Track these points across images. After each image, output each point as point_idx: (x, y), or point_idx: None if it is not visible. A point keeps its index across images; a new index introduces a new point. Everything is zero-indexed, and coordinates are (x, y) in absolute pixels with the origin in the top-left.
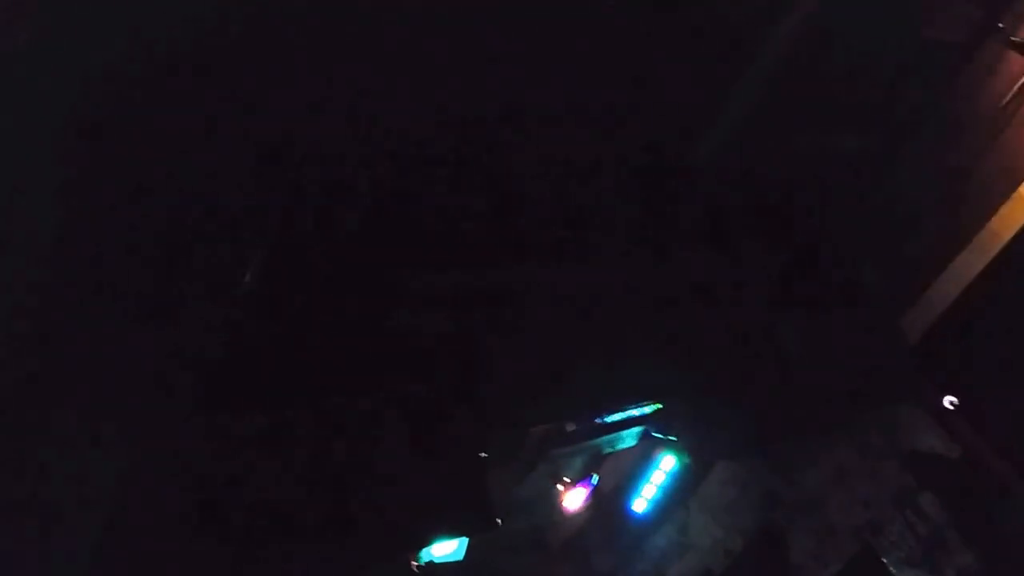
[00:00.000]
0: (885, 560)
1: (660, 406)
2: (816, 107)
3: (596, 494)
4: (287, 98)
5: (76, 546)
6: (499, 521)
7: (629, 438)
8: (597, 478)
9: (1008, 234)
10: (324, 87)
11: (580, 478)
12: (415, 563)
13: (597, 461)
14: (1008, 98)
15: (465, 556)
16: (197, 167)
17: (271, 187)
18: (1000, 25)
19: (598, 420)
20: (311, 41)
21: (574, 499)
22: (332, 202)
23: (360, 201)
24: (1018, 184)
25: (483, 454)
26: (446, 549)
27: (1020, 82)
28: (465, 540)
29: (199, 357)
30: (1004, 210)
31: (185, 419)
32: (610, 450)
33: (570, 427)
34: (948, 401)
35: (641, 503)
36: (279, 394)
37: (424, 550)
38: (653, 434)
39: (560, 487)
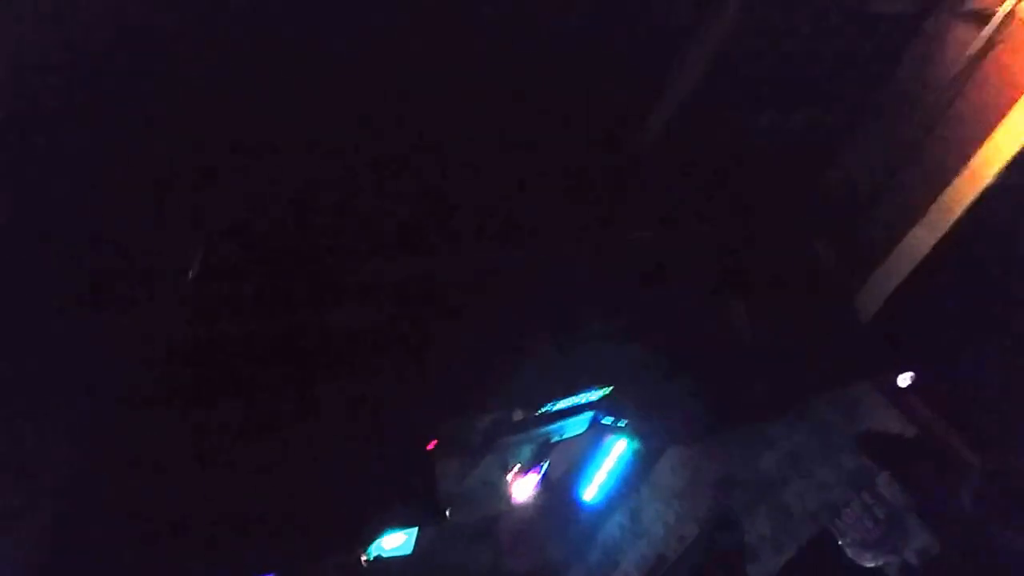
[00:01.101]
0: (842, 543)
1: (609, 391)
2: (764, 84)
3: (546, 482)
4: (227, 92)
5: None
6: (447, 512)
7: (578, 424)
8: (547, 466)
9: (959, 209)
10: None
11: (529, 466)
12: (364, 558)
13: (546, 449)
14: (957, 69)
15: (414, 549)
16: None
17: (211, 182)
18: None
19: (546, 407)
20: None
21: (524, 488)
22: (270, 194)
23: (299, 191)
24: (969, 158)
25: (430, 445)
26: (394, 542)
27: (968, 53)
28: (413, 532)
29: (140, 352)
30: (956, 184)
31: (126, 415)
32: (559, 437)
33: (518, 415)
34: (903, 379)
35: (592, 490)
36: (221, 387)
37: (372, 544)
38: (603, 420)
39: (509, 476)
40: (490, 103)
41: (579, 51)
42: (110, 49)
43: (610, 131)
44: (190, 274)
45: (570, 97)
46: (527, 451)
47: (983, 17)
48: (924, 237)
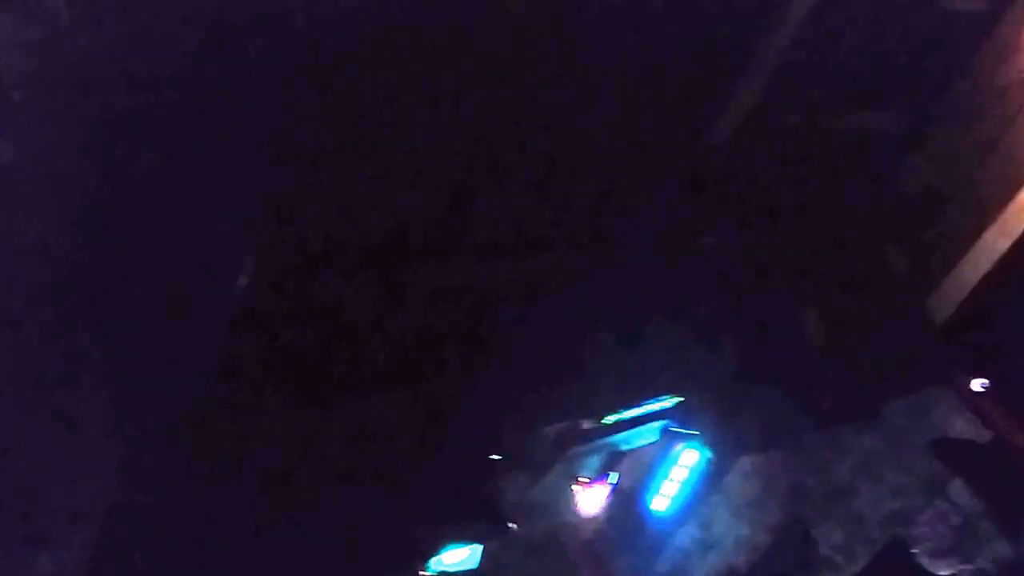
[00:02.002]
0: (916, 551)
1: (681, 399)
2: (834, 84)
3: (615, 493)
4: (277, 99)
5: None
6: (513, 525)
7: (649, 434)
8: (616, 476)
9: None
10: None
11: (598, 477)
12: (424, 573)
13: (615, 459)
14: None
15: (480, 563)
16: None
17: (266, 189)
18: None
19: (615, 416)
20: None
21: (592, 500)
22: (335, 200)
23: (364, 197)
24: None
25: (495, 456)
26: (458, 557)
27: None
28: (479, 547)
29: (201, 360)
30: None
31: (185, 422)
32: (628, 447)
33: (586, 424)
34: (978, 384)
35: (662, 501)
36: (283, 397)
37: (434, 559)
38: (673, 429)
39: (577, 487)
40: (563, 108)
41: (651, 50)
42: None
43: (682, 134)
44: (241, 281)
45: (641, 100)
46: (595, 461)
47: None
48: (998, 240)
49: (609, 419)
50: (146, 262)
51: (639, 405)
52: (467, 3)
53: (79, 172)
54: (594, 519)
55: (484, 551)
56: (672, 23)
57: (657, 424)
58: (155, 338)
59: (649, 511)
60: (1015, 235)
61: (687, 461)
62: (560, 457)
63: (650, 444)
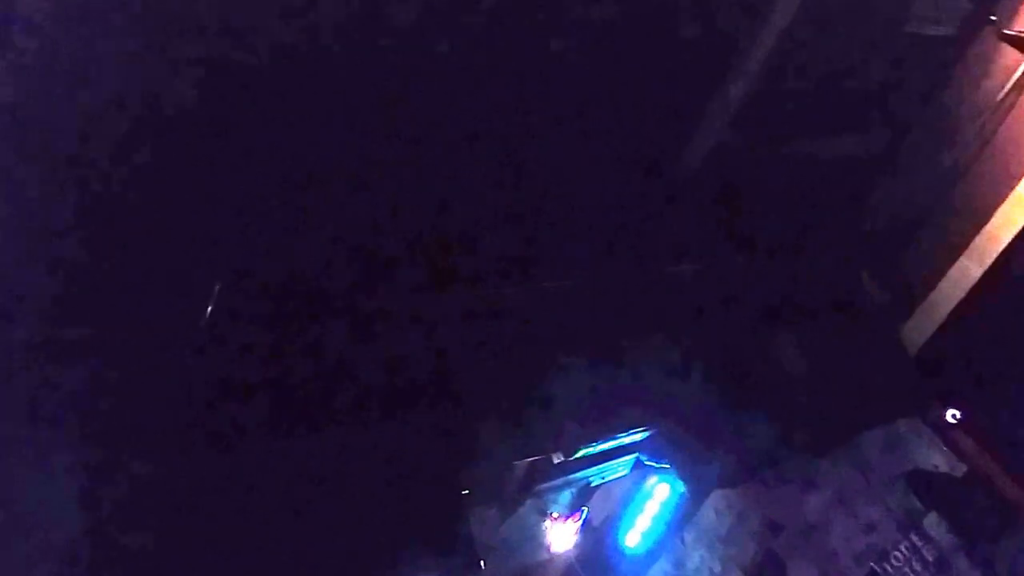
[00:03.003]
0: None
1: (652, 432)
2: (806, 110)
3: (586, 528)
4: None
5: None
6: (483, 562)
7: (620, 467)
8: (587, 511)
9: (1007, 236)
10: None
11: (569, 512)
12: None
13: (587, 493)
14: (1003, 93)
15: None
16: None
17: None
18: (992, 18)
19: (586, 450)
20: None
21: (563, 535)
22: (297, 228)
23: (327, 226)
24: (1016, 183)
25: (465, 491)
26: None
27: (1015, 77)
28: None
29: (162, 393)
30: (1003, 211)
31: (149, 455)
32: (600, 481)
33: (557, 459)
34: (950, 415)
35: (634, 536)
36: (247, 429)
37: None
38: (645, 462)
39: (548, 522)
40: (529, 136)
41: (619, 76)
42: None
43: (651, 160)
44: (206, 316)
45: (614, 125)
46: (567, 496)
47: None
48: (971, 267)
49: (580, 453)
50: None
51: (610, 439)
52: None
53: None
54: (565, 555)
55: None
56: (644, 46)
57: (629, 457)
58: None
59: (621, 547)
60: (987, 263)
61: (659, 495)
62: (530, 492)
63: (622, 478)
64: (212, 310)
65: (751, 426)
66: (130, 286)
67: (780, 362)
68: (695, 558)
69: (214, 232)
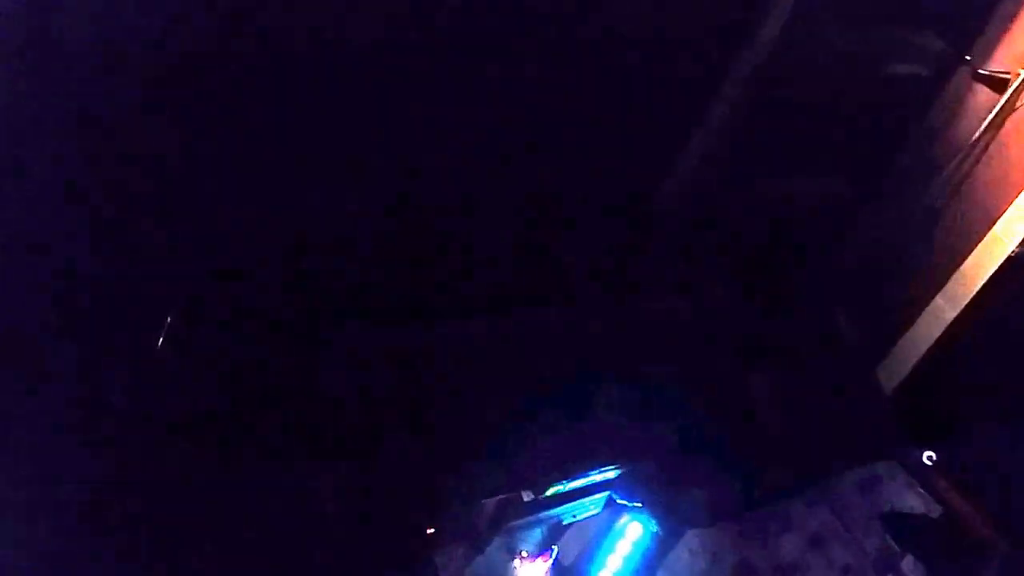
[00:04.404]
0: None
1: (625, 470)
2: (780, 150)
3: (556, 567)
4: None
5: None
6: None
7: (592, 505)
8: (557, 550)
9: (981, 278)
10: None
11: (538, 551)
12: None
13: (558, 531)
14: (978, 133)
15: None
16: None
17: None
18: (967, 58)
19: (557, 487)
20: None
21: (533, 574)
22: (257, 253)
23: (290, 250)
24: (991, 224)
25: (430, 530)
26: None
27: (990, 117)
28: None
29: (115, 425)
30: (978, 252)
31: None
32: (571, 519)
33: (527, 496)
34: (926, 456)
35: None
36: (199, 468)
37: None
38: (618, 500)
39: (517, 562)
40: (503, 165)
41: (595, 105)
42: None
43: (623, 196)
44: (159, 341)
45: (583, 156)
46: (537, 534)
47: (1000, 82)
48: (945, 307)
49: (551, 491)
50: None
51: (581, 476)
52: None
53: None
54: None
55: None
56: (617, 83)
57: (600, 495)
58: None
59: None
60: (961, 304)
61: (632, 535)
62: (499, 530)
63: (593, 516)
64: (163, 340)
65: (725, 466)
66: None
67: (754, 401)
68: None
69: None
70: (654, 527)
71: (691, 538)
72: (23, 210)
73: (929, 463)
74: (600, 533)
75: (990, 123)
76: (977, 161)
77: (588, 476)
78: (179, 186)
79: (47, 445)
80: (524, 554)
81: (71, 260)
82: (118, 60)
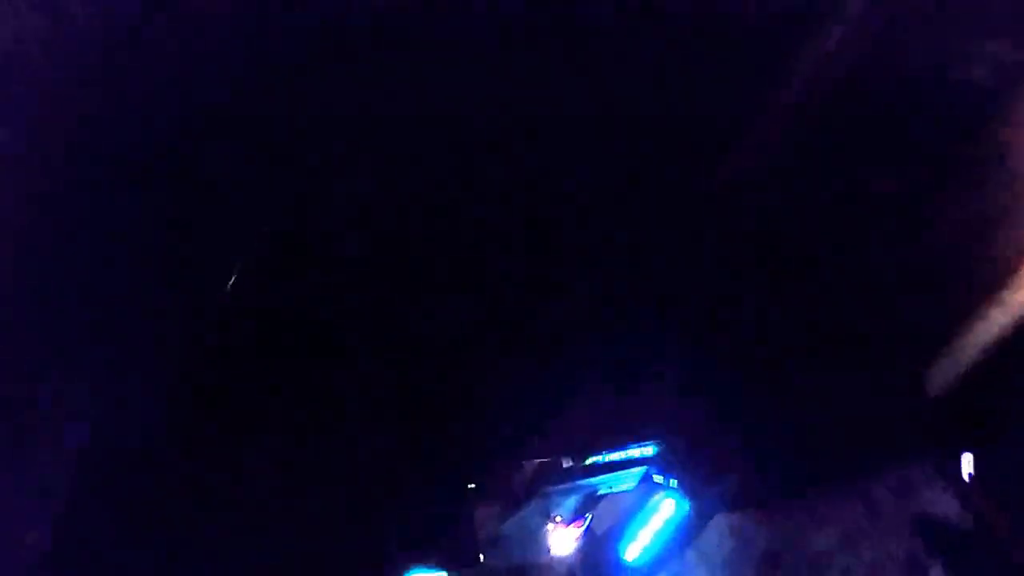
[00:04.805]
0: None
1: (663, 447)
2: (850, 142)
3: (588, 536)
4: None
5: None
6: (481, 557)
7: (628, 479)
8: (591, 519)
9: None
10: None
11: (572, 518)
12: None
13: (592, 501)
14: None
15: None
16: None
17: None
18: None
19: (597, 457)
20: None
21: (565, 539)
22: (334, 217)
23: (364, 217)
24: None
25: (471, 485)
26: None
27: None
28: (444, 575)
29: (183, 356)
30: None
31: (159, 416)
32: (607, 490)
33: (567, 463)
34: (966, 465)
35: (635, 550)
36: (257, 402)
37: None
38: (654, 477)
39: (551, 525)
40: (575, 143)
41: (660, 76)
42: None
43: (682, 174)
44: (229, 284)
45: (644, 130)
46: (572, 501)
47: None
48: (999, 317)
49: (590, 460)
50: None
51: (621, 448)
52: None
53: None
54: (564, 560)
55: None
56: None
57: (638, 470)
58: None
59: (620, 559)
60: (1016, 314)
61: (665, 512)
62: (537, 493)
63: (629, 490)
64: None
65: (763, 454)
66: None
67: (797, 391)
68: None
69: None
70: (687, 506)
71: (722, 521)
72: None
73: (968, 471)
74: (634, 507)
75: None
76: None
77: (628, 449)
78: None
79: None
80: (558, 519)
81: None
82: None
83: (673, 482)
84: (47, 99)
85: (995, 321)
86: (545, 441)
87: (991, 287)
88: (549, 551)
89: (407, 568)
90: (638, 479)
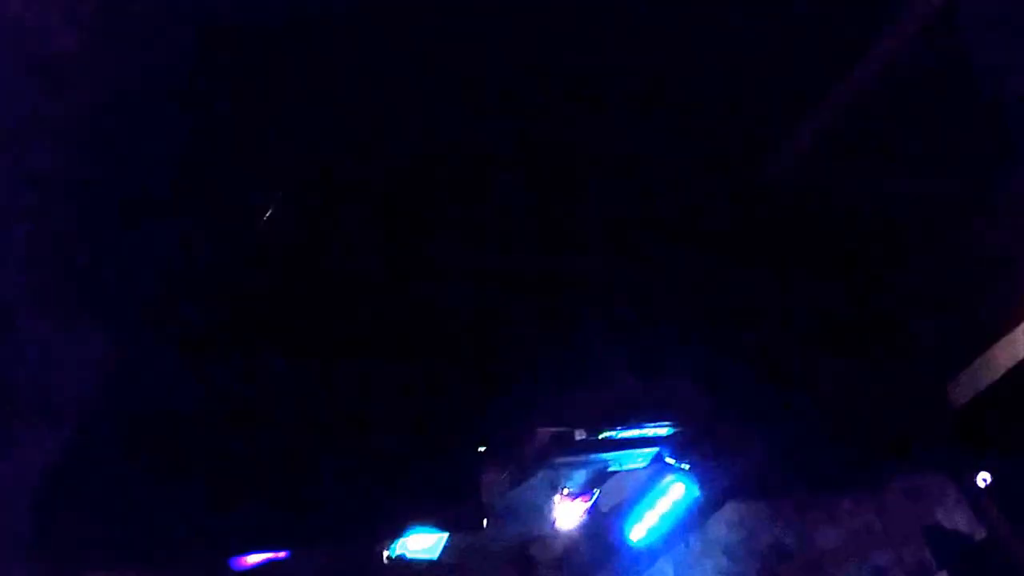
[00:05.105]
0: None
1: (679, 430)
2: (898, 144)
3: (594, 512)
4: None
5: None
6: (484, 521)
7: (640, 458)
8: (598, 495)
9: None
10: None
11: (580, 492)
12: (386, 553)
13: (602, 477)
14: None
15: (440, 557)
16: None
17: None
18: None
19: (611, 433)
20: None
21: (570, 513)
22: (362, 160)
23: (395, 163)
24: None
25: (482, 448)
26: (422, 544)
27: None
28: (444, 537)
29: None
30: None
31: (170, 355)
32: (618, 467)
33: (580, 435)
34: (981, 478)
35: (640, 530)
36: (270, 337)
37: (398, 540)
38: (666, 459)
39: (558, 497)
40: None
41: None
42: None
43: (724, 160)
44: (266, 215)
45: (696, 108)
46: (582, 475)
47: None
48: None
49: (603, 435)
50: None
51: (637, 426)
52: None
53: None
54: (568, 534)
55: (448, 544)
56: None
57: (650, 451)
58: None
59: (625, 538)
60: None
61: (673, 494)
62: (546, 463)
63: (639, 469)
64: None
65: (779, 447)
66: None
67: (819, 386)
68: (697, 567)
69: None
70: (697, 492)
71: (731, 510)
72: None
73: (983, 485)
74: (643, 487)
75: None
76: None
77: (643, 428)
78: None
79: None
80: (566, 491)
81: None
82: None
83: (685, 465)
84: None
85: (1019, 341)
86: (560, 411)
87: (1019, 306)
88: (553, 523)
89: (406, 526)
90: (649, 459)
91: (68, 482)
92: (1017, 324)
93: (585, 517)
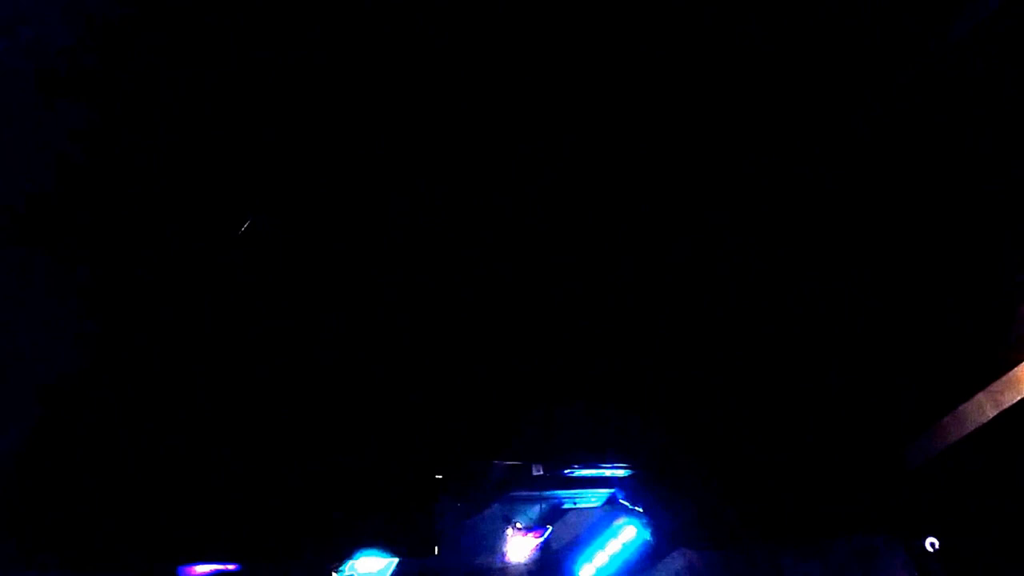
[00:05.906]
0: None
1: (634, 473)
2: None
3: (545, 548)
4: None
5: None
6: (436, 549)
7: (594, 497)
8: (550, 531)
9: None
10: None
11: (533, 526)
12: (335, 575)
13: (555, 513)
14: None
15: None
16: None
17: None
18: None
19: (568, 470)
20: None
21: (522, 548)
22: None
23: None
24: None
25: (438, 476)
26: (371, 566)
27: None
28: (394, 561)
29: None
30: None
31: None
32: (571, 505)
33: (537, 470)
34: (929, 543)
35: (589, 570)
36: (233, 356)
37: (348, 561)
38: (620, 500)
39: (510, 531)
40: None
41: None
42: None
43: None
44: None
45: None
46: (535, 511)
47: None
48: (985, 406)
49: (561, 472)
50: None
51: (593, 466)
52: None
53: None
54: (518, 568)
55: (397, 569)
56: None
57: (604, 491)
58: None
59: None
60: (1002, 406)
61: (624, 536)
62: (502, 496)
63: (593, 508)
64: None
65: (732, 499)
66: None
67: (777, 444)
68: None
69: None
70: (647, 535)
71: (680, 558)
72: None
73: (931, 549)
74: (596, 526)
75: None
76: None
77: (599, 468)
78: None
79: None
80: (519, 525)
81: None
82: None
83: (638, 509)
84: None
85: (982, 411)
86: (518, 446)
87: (986, 377)
88: (504, 556)
89: (357, 546)
90: (603, 500)
91: (16, 489)
92: (970, 397)
93: (536, 552)
